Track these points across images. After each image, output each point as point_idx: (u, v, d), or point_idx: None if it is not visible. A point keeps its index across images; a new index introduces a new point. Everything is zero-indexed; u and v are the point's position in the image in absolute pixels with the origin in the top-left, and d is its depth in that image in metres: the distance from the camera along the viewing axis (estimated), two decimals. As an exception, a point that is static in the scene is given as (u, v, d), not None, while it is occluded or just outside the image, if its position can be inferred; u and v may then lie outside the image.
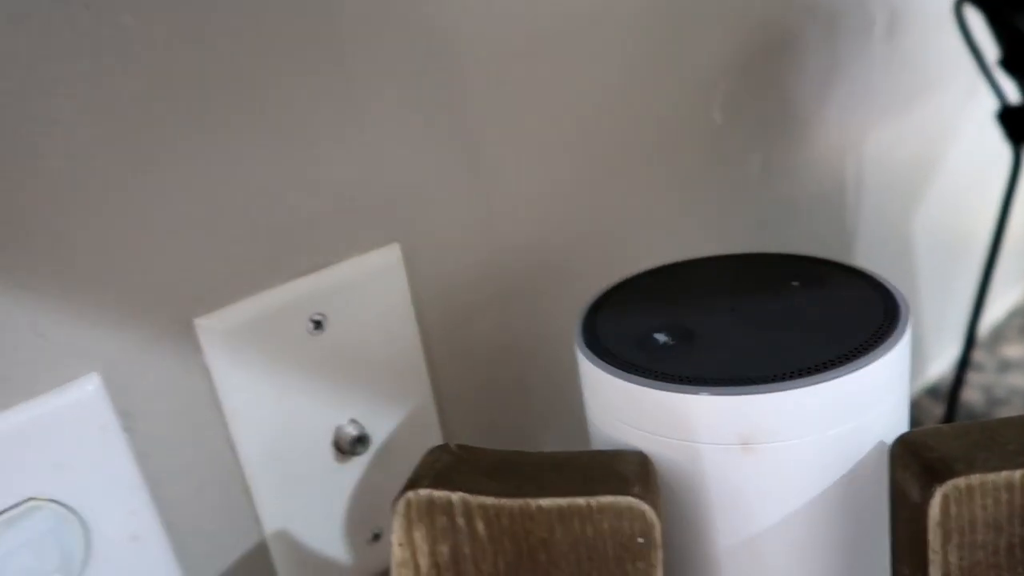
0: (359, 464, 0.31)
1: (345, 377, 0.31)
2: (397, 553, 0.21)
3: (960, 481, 0.18)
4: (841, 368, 0.21)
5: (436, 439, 0.34)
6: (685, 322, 0.24)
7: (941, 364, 0.67)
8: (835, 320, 0.23)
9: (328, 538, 0.31)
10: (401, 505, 0.21)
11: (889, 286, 0.24)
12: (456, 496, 0.20)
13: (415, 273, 0.32)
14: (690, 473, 0.22)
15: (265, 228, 0.28)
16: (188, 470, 0.28)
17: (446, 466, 0.22)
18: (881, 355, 0.21)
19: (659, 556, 0.20)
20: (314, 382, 0.30)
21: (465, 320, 0.34)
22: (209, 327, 0.27)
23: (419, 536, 0.21)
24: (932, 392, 0.66)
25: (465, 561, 0.21)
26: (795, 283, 0.26)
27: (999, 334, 0.74)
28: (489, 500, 0.20)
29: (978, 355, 0.70)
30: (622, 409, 0.23)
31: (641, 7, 0.37)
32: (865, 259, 0.57)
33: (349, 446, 0.31)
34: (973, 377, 0.67)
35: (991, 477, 0.18)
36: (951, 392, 0.56)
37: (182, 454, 0.27)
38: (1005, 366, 0.68)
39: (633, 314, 0.25)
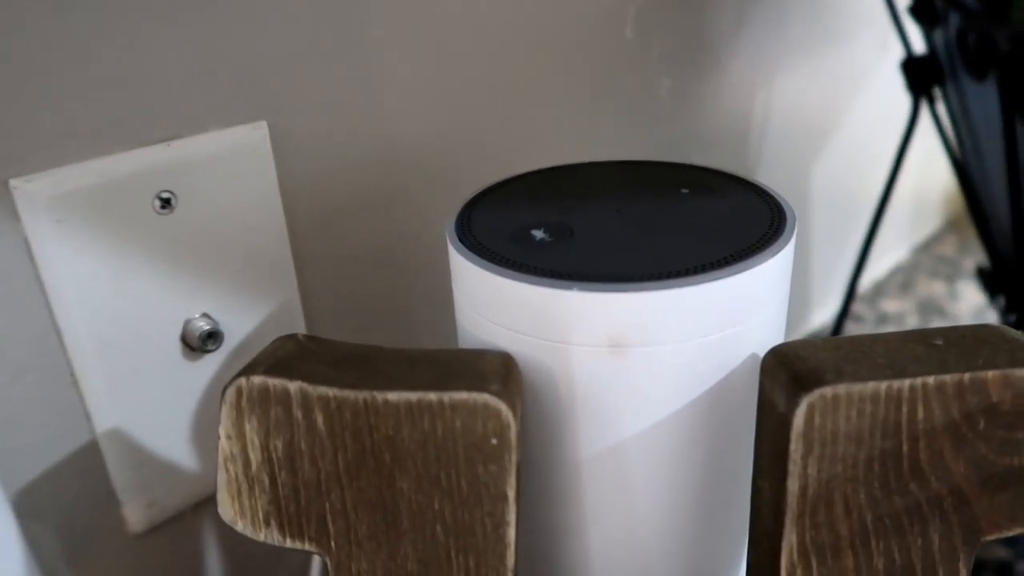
0: (211, 363, 0.29)
1: (197, 265, 0.28)
2: (225, 447, 0.19)
3: (827, 390, 0.17)
4: (718, 272, 0.19)
5: (301, 343, 0.31)
6: (566, 220, 0.23)
7: (824, 314, 0.69)
8: (720, 226, 0.22)
9: (171, 441, 0.28)
10: (231, 393, 0.18)
11: (779, 198, 0.23)
12: (294, 385, 0.18)
13: (285, 158, 0.29)
14: (557, 376, 0.20)
15: (107, 85, 0.24)
16: (1, 352, 0.24)
17: (288, 354, 0.19)
18: (760, 262, 0.20)
19: (513, 459, 0.18)
20: (159, 267, 0.27)
21: (341, 215, 0.32)
22: (29, 191, 0.23)
23: (251, 429, 0.18)
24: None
25: (301, 457, 0.19)
26: (685, 191, 0.24)
27: (880, 289, 0.76)
28: (331, 391, 0.18)
29: (859, 308, 0.72)
30: (490, 306, 0.21)
31: None
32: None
33: (199, 342, 0.28)
34: (853, 328, 0.69)
35: (858, 388, 0.17)
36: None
37: (-8, 334, 0.24)
38: (883, 319, 0.71)
39: (513, 211, 0.24)
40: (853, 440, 0.18)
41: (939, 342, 0.19)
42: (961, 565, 0.18)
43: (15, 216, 0.24)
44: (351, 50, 0.30)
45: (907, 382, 0.17)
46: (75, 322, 0.25)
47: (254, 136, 0.28)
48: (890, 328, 0.69)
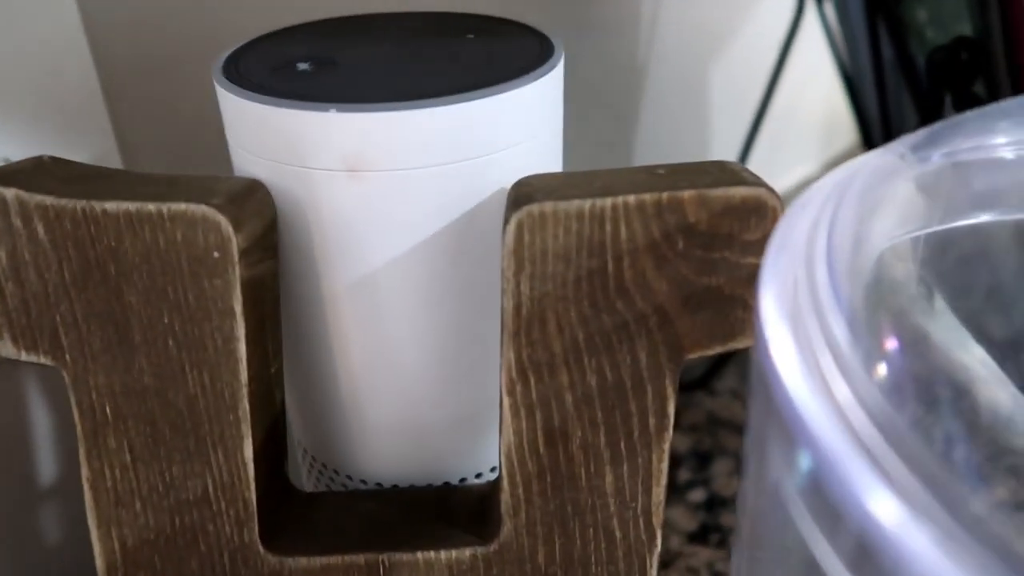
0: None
1: (-7, 108, 0.27)
2: (-53, 255, 0.19)
3: (534, 207, 0.18)
4: (458, 96, 0.19)
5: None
6: (335, 56, 0.22)
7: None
8: (488, 59, 0.22)
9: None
10: (-53, 200, 0.18)
11: (553, 38, 0.23)
12: (10, 192, 0.18)
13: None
14: (304, 203, 0.21)
15: None
16: None
17: (19, 169, 0.19)
18: (505, 90, 0.20)
19: (237, 273, 0.19)
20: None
21: (152, 50, 0.30)
22: None
23: (-29, 238, 0.18)
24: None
25: (26, 267, 0.19)
26: (470, 36, 0.24)
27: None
28: (48, 199, 0.18)
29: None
30: (245, 136, 0.21)
31: None
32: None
33: None
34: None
35: (563, 205, 0.18)
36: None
37: None
38: (779, 226, 0.72)
39: (283, 51, 0.23)
40: (561, 258, 0.18)
41: (661, 172, 0.19)
42: (667, 382, 0.19)
43: None
44: None
45: (609, 200, 0.18)
46: None
47: (51, -26, 0.27)
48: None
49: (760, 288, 0.12)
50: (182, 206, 0.18)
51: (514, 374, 0.19)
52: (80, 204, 0.18)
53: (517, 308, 0.19)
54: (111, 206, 0.18)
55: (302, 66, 0.22)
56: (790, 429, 0.10)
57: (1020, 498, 0.20)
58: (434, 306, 0.22)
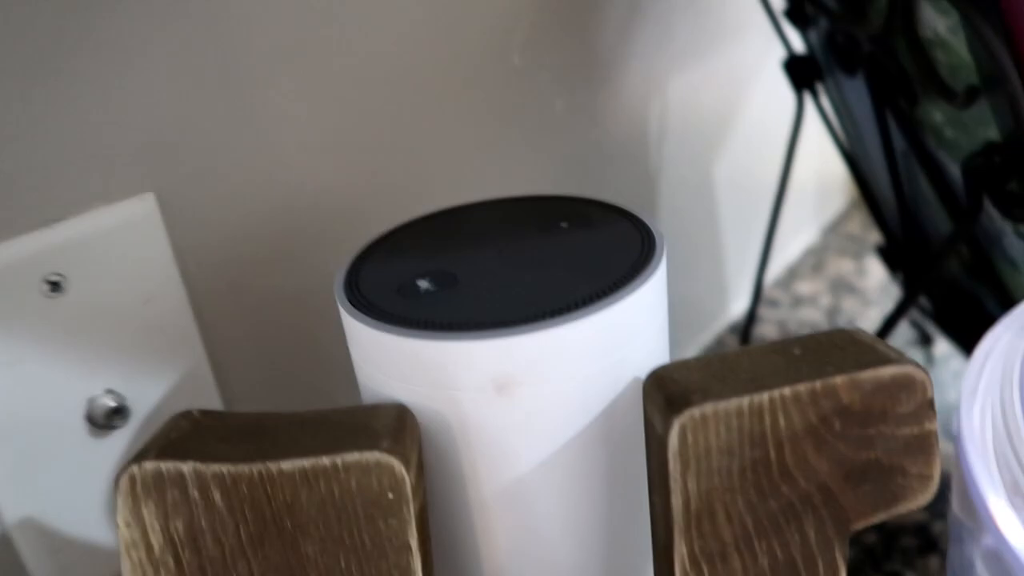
0: (120, 438, 0.29)
1: (94, 343, 0.27)
2: (125, 534, 0.19)
3: (695, 411, 0.19)
4: (591, 306, 0.20)
5: (215, 404, 0.32)
6: (450, 268, 0.23)
7: (742, 303, 0.72)
8: (596, 257, 0.23)
9: (85, 521, 0.28)
10: (124, 482, 0.19)
11: (647, 222, 0.24)
12: (187, 466, 0.19)
13: (177, 225, 0.29)
14: (450, 422, 0.21)
15: (-25, 177, 0.24)
16: None
17: (182, 435, 0.20)
18: (632, 292, 0.21)
19: (411, 510, 0.19)
20: (54, 350, 0.26)
21: (243, 274, 0.32)
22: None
23: (148, 513, 0.19)
24: (734, 329, 0.70)
25: (203, 535, 0.19)
26: (564, 224, 0.25)
27: (794, 272, 0.79)
28: (225, 468, 0.19)
29: (775, 292, 0.75)
30: (381, 361, 0.22)
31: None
32: (670, 201, 0.59)
33: (105, 419, 0.28)
34: (770, 313, 0.71)
35: (723, 405, 0.19)
36: (744, 328, 0.60)
37: None
38: (798, 301, 0.74)
39: (398, 262, 0.24)
40: (725, 452, 0.19)
41: (797, 352, 0.20)
42: (837, 554, 0.20)
43: None
44: (235, 111, 0.30)
45: (766, 395, 0.19)
46: (-29, 417, 0.25)
47: (142, 208, 0.28)
48: (806, 311, 0.72)
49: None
50: (355, 456, 0.19)
51: (687, 566, 0.20)
52: (256, 467, 0.19)
53: (686, 504, 0.19)
54: (286, 465, 0.19)
55: (423, 284, 0.23)
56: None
57: None
58: (579, 496, 0.22)
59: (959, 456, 0.16)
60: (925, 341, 0.61)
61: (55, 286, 0.26)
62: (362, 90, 0.34)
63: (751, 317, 0.60)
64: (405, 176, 0.37)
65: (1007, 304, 0.17)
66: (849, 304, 0.74)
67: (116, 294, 0.28)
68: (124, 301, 0.28)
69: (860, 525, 0.20)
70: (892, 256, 0.57)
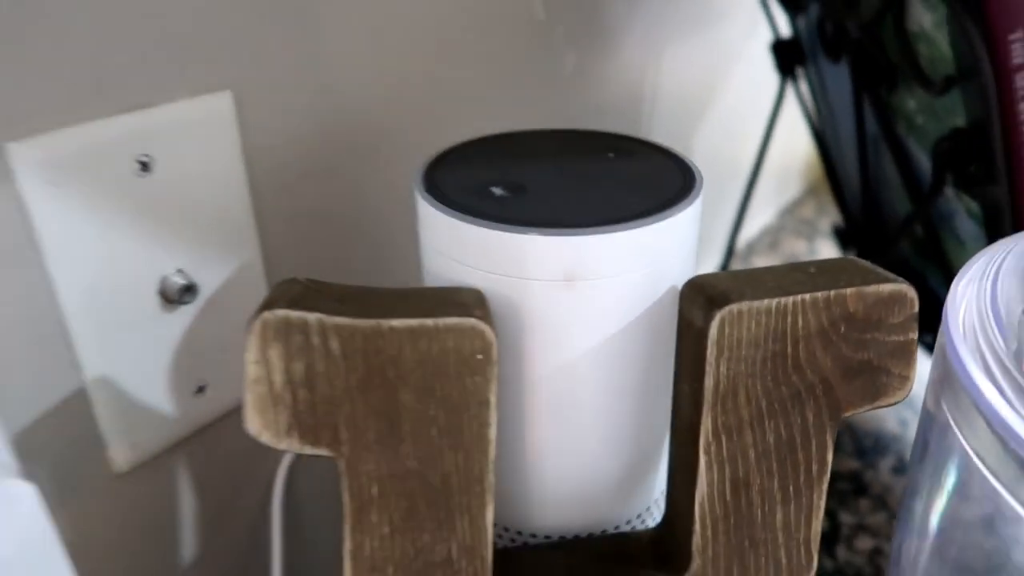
0: (185, 315, 0.31)
1: (172, 225, 0.30)
2: (252, 371, 0.22)
3: (734, 307, 0.23)
4: (650, 218, 0.24)
5: (262, 293, 0.34)
6: (518, 179, 0.27)
7: (707, 269, 0.77)
8: (644, 182, 0.27)
9: (152, 388, 0.31)
10: (257, 325, 0.22)
11: (687, 160, 0.29)
12: (312, 317, 0.22)
13: (246, 124, 0.32)
14: (518, 306, 0.25)
15: (89, 54, 0.26)
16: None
17: (299, 294, 0.23)
18: (680, 211, 0.25)
19: (495, 371, 0.23)
20: (140, 226, 0.29)
21: (299, 177, 0.35)
22: (24, 154, 0.25)
23: (274, 354, 0.22)
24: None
25: (319, 378, 0.22)
26: (611, 154, 0.29)
27: (752, 248, 0.85)
28: (344, 320, 0.22)
29: (736, 264, 0.80)
30: (460, 251, 0.25)
31: None
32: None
33: (176, 295, 0.30)
34: (729, 280, 0.77)
35: (756, 304, 0.23)
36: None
37: (-5, 288, 0.26)
38: (754, 272, 0.79)
39: (470, 171, 0.28)
40: (752, 344, 0.23)
41: (812, 270, 0.25)
42: (828, 436, 0.25)
43: (10, 177, 0.25)
44: (300, 26, 0.33)
45: (790, 299, 0.23)
46: (67, 278, 0.27)
47: (221, 103, 0.31)
48: (760, 280, 0.78)
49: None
50: (455, 320, 0.22)
51: (710, 437, 0.24)
52: (370, 323, 0.22)
53: (716, 385, 0.24)
54: (396, 323, 0.22)
55: (496, 190, 0.26)
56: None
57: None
58: (618, 382, 0.27)
59: (945, 336, 0.21)
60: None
61: (145, 166, 0.29)
62: (407, 23, 0.37)
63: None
64: (437, 104, 0.40)
65: (950, 281, 0.22)
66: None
67: (193, 181, 0.30)
68: (198, 189, 0.31)
69: (849, 413, 0.25)
70: (847, 236, 0.63)
